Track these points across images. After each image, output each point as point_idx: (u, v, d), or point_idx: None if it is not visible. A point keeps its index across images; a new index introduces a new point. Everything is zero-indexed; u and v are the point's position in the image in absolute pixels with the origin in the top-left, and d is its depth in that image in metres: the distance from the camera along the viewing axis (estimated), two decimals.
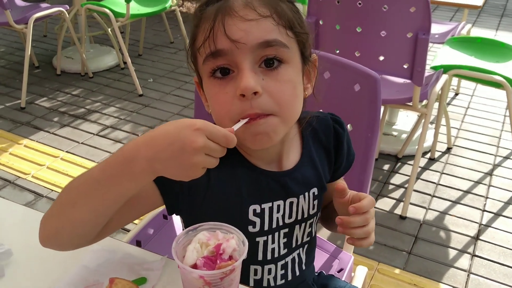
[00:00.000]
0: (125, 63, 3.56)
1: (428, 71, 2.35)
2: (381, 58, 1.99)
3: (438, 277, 1.85)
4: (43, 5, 3.17)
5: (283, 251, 0.86)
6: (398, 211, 2.20)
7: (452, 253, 1.98)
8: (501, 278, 1.86)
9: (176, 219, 1.35)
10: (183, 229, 0.77)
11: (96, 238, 0.72)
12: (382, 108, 2.60)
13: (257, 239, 0.82)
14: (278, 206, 0.82)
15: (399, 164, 2.56)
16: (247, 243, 0.65)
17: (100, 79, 3.52)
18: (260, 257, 0.83)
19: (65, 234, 0.69)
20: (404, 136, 2.71)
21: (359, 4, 1.91)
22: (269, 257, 0.84)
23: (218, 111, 0.74)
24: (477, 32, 4.53)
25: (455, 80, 3.32)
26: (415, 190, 2.34)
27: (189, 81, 3.41)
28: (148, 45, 4.17)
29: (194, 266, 0.63)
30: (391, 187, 2.38)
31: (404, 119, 2.86)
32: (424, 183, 2.41)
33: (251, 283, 0.85)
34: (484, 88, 3.31)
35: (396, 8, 1.88)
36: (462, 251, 1.98)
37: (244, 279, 0.80)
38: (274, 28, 0.71)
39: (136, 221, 2.14)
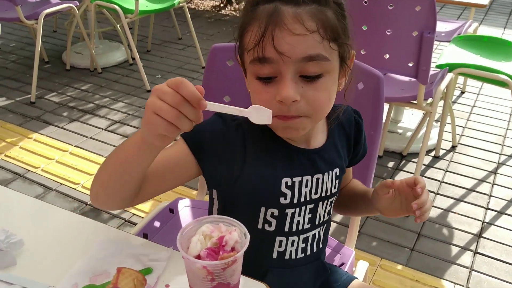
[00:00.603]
0: (133, 59, 3.59)
1: (433, 70, 2.37)
2: (387, 56, 2.01)
3: (440, 274, 1.87)
4: (53, 0, 3.21)
5: (306, 225, 0.92)
6: None
7: (455, 250, 2.00)
8: (502, 275, 1.87)
9: (182, 213, 1.38)
10: (217, 206, 0.90)
11: (137, 200, 0.79)
12: (387, 106, 2.63)
13: (287, 210, 0.88)
14: (307, 181, 0.89)
15: (403, 161, 2.57)
16: (248, 236, 0.68)
17: (109, 74, 3.56)
18: (286, 229, 0.90)
19: (102, 195, 0.78)
20: (409, 134, 2.72)
21: (365, 2, 1.93)
22: (294, 229, 0.90)
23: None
24: (485, 30, 4.51)
25: (461, 79, 3.33)
26: None
27: (197, 77, 3.44)
28: (156, 41, 4.20)
29: (198, 257, 0.66)
30: None
31: (410, 117, 2.88)
32: (428, 181, 2.43)
33: (274, 255, 0.91)
34: (490, 87, 3.31)
35: (401, 7, 1.90)
36: (465, 248, 2.00)
37: (268, 252, 0.90)
38: (319, 43, 0.76)
39: (142, 215, 2.18)
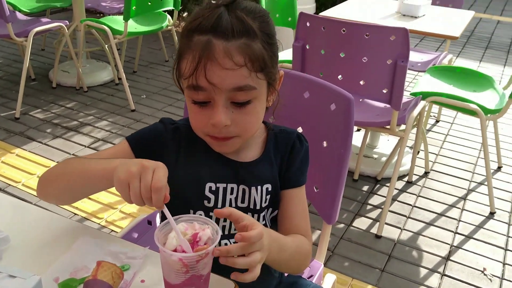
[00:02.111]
0: (119, 79, 3.66)
1: (408, 97, 2.48)
2: (362, 82, 2.12)
3: None
4: (44, 19, 3.29)
5: (234, 231, 0.96)
6: (374, 230, 2.30)
7: (423, 272, 2.07)
8: None
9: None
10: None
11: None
12: (363, 132, 2.73)
13: (211, 213, 0.95)
14: (232, 188, 0.96)
15: (378, 185, 2.67)
16: (220, 233, 0.74)
17: (94, 93, 3.62)
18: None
19: (52, 195, 0.93)
20: (384, 159, 2.82)
21: (343, 31, 2.04)
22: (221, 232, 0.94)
23: (194, 125, 0.92)
24: (461, 62, 4.70)
25: (436, 108, 3.46)
26: (391, 211, 2.45)
27: (181, 98, 3.52)
28: (143, 62, 4.28)
29: (174, 252, 0.72)
30: (369, 207, 2.48)
31: (385, 143, 2.98)
32: (400, 205, 2.51)
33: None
34: (464, 116, 3.45)
35: (377, 36, 2.01)
36: (433, 270, 2.08)
37: None
38: (246, 75, 0.84)
39: (122, 225, 2.20)
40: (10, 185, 2.45)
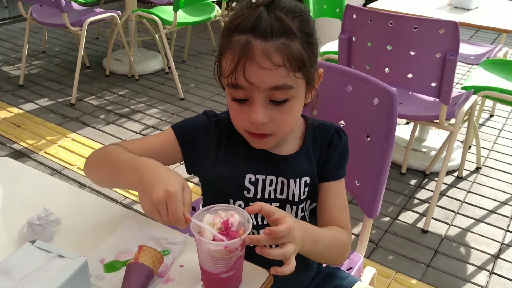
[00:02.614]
0: (169, 68, 3.75)
1: (459, 91, 2.41)
2: (410, 75, 2.07)
3: None
4: (97, 9, 3.40)
5: None
6: (420, 224, 2.26)
7: (471, 269, 2.02)
8: None
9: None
10: (202, 197, 1.02)
11: None
12: (411, 125, 2.67)
13: (251, 204, 0.93)
14: (271, 180, 0.98)
15: (426, 180, 2.61)
16: (251, 221, 0.77)
17: (145, 81, 3.72)
18: (254, 222, 0.98)
19: (92, 180, 0.97)
20: (433, 153, 2.75)
21: (391, 23, 2.00)
22: (260, 222, 0.98)
23: (234, 121, 0.94)
24: None
25: (490, 102, 3.33)
26: (440, 206, 2.39)
27: None
28: (192, 52, 4.35)
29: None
30: (416, 201, 2.43)
31: (435, 137, 2.91)
32: (449, 200, 2.45)
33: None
34: None
35: (425, 29, 1.96)
36: (481, 268, 2.02)
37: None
38: (284, 75, 0.85)
39: None
40: (65, 167, 2.57)
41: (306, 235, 0.84)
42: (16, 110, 3.17)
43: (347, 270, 1.29)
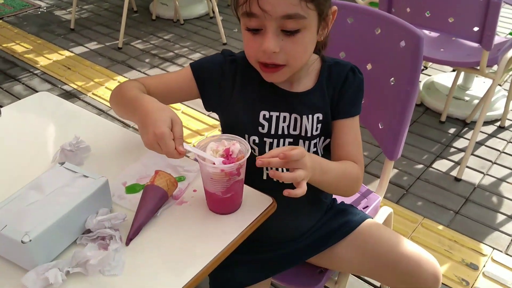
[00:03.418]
0: (214, 12, 3.77)
1: (507, 38, 2.31)
2: (451, 20, 2.01)
3: (480, 238, 1.91)
4: None
5: None
6: (454, 173, 2.25)
7: (500, 217, 2.02)
8: None
9: None
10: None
11: None
12: (454, 73, 2.60)
13: (265, 139, 1.03)
14: (284, 117, 1.02)
15: (465, 129, 2.57)
16: (249, 149, 0.85)
17: (190, 26, 3.77)
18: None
19: (116, 113, 1.04)
20: (476, 101, 2.69)
21: None
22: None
23: (247, 52, 0.98)
24: None
25: None
26: (477, 155, 2.36)
27: None
28: None
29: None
30: (452, 150, 2.41)
31: (480, 85, 2.82)
32: (487, 150, 2.41)
33: (264, 177, 1.05)
34: None
35: None
36: (511, 217, 2.02)
37: (259, 174, 1.04)
38: (296, 4, 0.87)
39: (189, 141, 2.34)
40: (111, 108, 2.70)
41: (316, 165, 0.90)
42: (67, 53, 3.31)
43: (363, 208, 1.34)
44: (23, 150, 1.04)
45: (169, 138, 0.82)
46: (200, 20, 3.88)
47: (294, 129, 1.03)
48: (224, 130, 1.10)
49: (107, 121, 1.19)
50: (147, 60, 3.25)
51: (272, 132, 1.03)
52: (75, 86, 2.92)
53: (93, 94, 2.84)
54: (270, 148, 1.03)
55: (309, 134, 1.03)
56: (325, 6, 0.93)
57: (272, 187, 0.95)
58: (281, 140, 1.03)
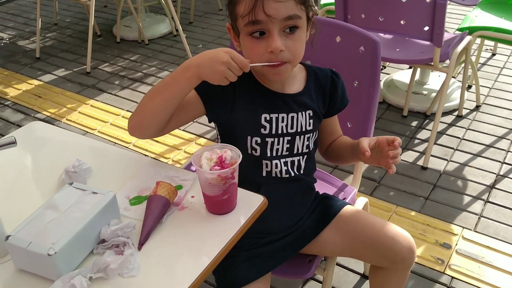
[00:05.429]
0: (177, 30, 3.87)
1: (455, 33, 2.50)
2: (402, 22, 2.17)
3: (450, 219, 2.07)
4: None
5: (285, 153, 1.18)
6: (420, 162, 2.41)
7: (467, 199, 2.18)
8: (509, 221, 2.05)
9: None
10: (219, 140, 1.21)
11: (164, 131, 1.08)
12: (411, 70, 2.75)
13: (267, 139, 1.15)
14: (283, 117, 1.16)
15: (426, 121, 2.74)
16: (241, 155, 0.96)
17: (155, 45, 3.86)
18: (268, 154, 1.17)
19: (145, 122, 1.05)
20: (433, 95, 2.87)
21: None
22: (274, 154, 1.17)
23: (252, 56, 1.07)
24: None
25: (492, 42, 3.39)
26: (439, 144, 2.53)
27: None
28: (198, 12, 4.45)
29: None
30: (416, 141, 2.58)
31: (436, 79, 3.01)
32: (448, 138, 2.59)
33: (264, 174, 1.18)
34: None
35: None
36: (476, 198, 2.18)
37: (258, 171, 1.17)
38: (295, 6, 1.04)
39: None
40: (87, 132, 2.77)
41: None
42: (36, 82, 3.35)
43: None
44: (30, 176, 1.13)
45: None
46: (164, 39, 3.97)
47: (292, 128, 1.17)
48: (224, 136, 1.21)
49: (101, 143, 1.27)
50: (116, 82, 3.32)
51: (273, 132, 1.15)
52: (48, 114, 2.96)
53: (67, 120, 2.89)
54: (271, 147, 1.16)
55: (304, 129, 1.18)
56: (311, 9, 1.09)
57: (270, 182, 1.14)
58: (281, 139, 1.16)
